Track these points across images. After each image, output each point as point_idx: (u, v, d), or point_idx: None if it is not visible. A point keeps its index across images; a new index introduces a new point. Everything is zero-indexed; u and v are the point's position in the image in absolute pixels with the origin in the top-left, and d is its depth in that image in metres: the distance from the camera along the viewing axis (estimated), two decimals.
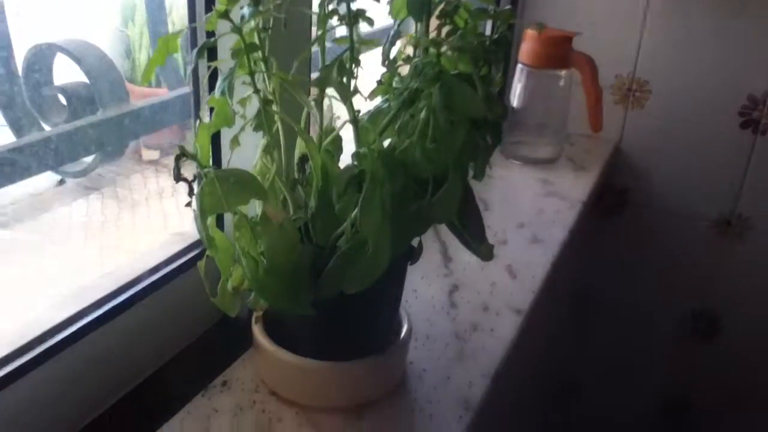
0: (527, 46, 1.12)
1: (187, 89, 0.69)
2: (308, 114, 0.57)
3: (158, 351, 0.64)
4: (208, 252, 0.51)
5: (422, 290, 0.79)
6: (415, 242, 0.59)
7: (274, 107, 0.50)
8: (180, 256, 0.66)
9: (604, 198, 1.38)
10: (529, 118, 1.17)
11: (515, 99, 1.15)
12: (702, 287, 1.37)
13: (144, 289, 0.61)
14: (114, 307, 0.58)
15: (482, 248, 0.60)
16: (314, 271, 0.53)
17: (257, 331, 0.61)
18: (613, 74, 1.28)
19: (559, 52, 1.11)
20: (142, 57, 1.71)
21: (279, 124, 0.52)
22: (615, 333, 1.46)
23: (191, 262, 0.66)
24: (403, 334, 0.62)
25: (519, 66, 1.14)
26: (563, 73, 1.13)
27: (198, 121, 0.50)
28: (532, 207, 1.04)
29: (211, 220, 0.50)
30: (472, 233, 0.59)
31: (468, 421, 0.60)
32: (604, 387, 1.50)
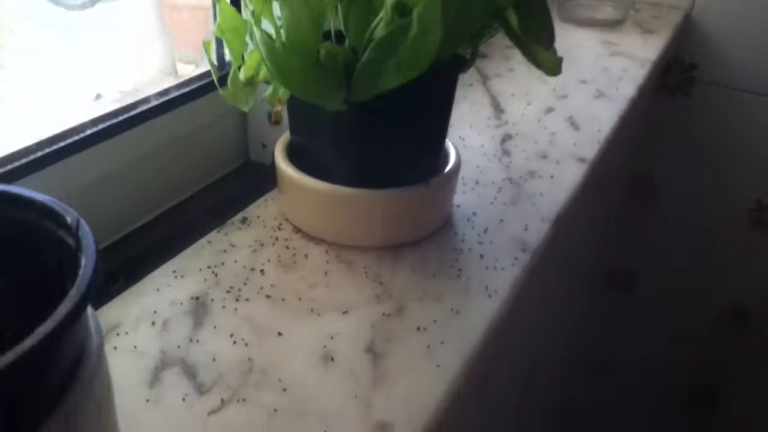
0: None
1: None
2: None
3: (174, 186, 0.57)
4: (215, 33, 0.41)
5: (471, 139, 0.69)
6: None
7: None
8: (193, 81, 0.57)
9: (671, 74, 1.24)
10: None
11: None
12: None
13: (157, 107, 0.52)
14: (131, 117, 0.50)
15: (546, 57, 0.49)
16: (346, 75, 0.44)
17: (279, 155, 0.52)
18: None
19: None
20: None
21: None
22: (677, 224, 1.35)
23: (206, 88, 0.57)
24: (450, 165, 0.53)
25: None
26: None
27: None
28: (595, 65, 0.92)
29: None
30: (536, 36, 0.48)
31: (525, 262, 0.51)
32: (663, 277, 1.40)
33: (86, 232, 0.21)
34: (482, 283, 0.48)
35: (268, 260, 0.49)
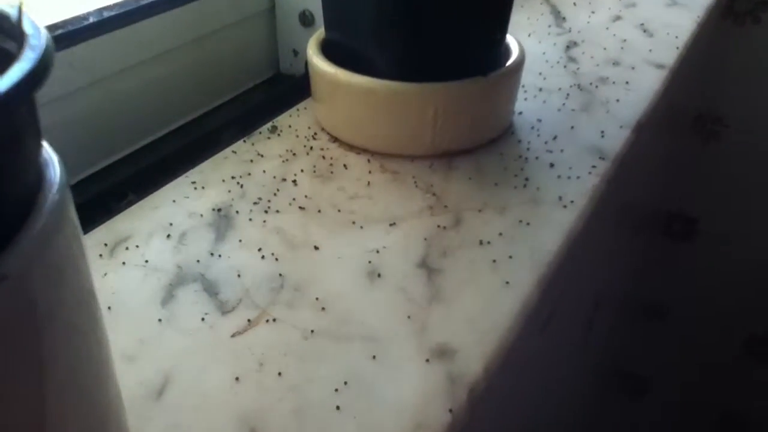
0: None
1: None
2: None
3: (196, 97, 0.50)
4: None
5: (531, 46, 0.60)
6: None
7: None
8: None
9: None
10: None
11: None
12: None
13: None
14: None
15: None
16: None
17: (312, 51, 0.45)
18: None
19: None
20: None
21: None
22: (739, 169, 1.24)
23: None
24: (513, 58, 0.45)
25: None
26: None
27: None
28: None
29: None
30: None
31: (605, 170, 0.43)
32: (724, 222, 1.29)
33: (32, 23, 0.14)
34: (554, 193, 0.40)
35: (302, 170, 0.42)
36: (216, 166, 0.43)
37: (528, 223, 0.38)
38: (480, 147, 0.45)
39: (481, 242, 0.36)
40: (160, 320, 0.31)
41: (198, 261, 0.35)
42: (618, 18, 0.68)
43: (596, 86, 0.54)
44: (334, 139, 0.46)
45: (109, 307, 0.32)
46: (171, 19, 0.46)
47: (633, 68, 0.57)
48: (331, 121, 0.46)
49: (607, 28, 0.65)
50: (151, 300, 0.32)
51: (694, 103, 1.19)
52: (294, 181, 0.41)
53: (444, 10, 0.40)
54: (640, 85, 0.54)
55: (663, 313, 1.42)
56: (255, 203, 0.39)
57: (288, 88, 0.54)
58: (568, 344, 0.64)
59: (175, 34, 0.47)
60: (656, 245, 1.33)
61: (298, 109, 0.49)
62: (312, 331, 0.31)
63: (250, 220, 0.38)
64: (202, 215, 0.38)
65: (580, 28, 0.65)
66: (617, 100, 0.51)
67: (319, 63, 0.44)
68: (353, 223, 0.38)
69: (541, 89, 0.53)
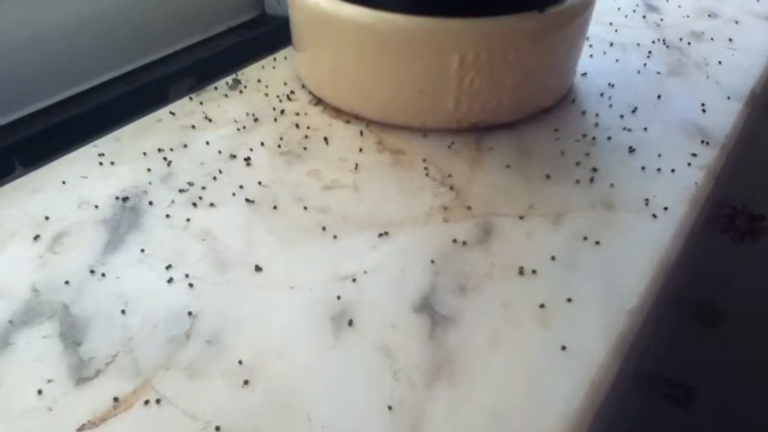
0: None
1: None
2: None
3: (155, 33, 0.37)
4: None
5: None
6: None
7: None
8: None
9: None
10: None
11: None
12: None
13: None
14: None
15: None
16: None
17: None
18: None
19: None
20: None
21: None
22: None
23: None
24: None
25: None
26: None
27: None
28: None
29: None
30: None
31: (710, 162, 0.29)
32: None
33: None
34: (638, 194, 0.26)
35: (261, 144, 0.29)
36: (141, 131, 0.30)
37: (597, 242, 0.24)
38: (525, 119, 0.31)
39: (521, 271, 0.23)
40: None
41: (67, 282, 0.22)
42: None
43: (688, 43, 0.39)
44: (317, 101, 0.32)
45: None
46: None
47: (736, 22, 0.42)
48: (315, 74, 0.32)
49: None
50: None
51: None
52: (247, 160, 0.28)
53: None
54: (749, 44, 0.39)
55: (716, 320, 1.27)
56: (182, 191, 0.26)
57: (269, 33, 0.41)
58: None
59: None
60: (715, 243, 1.17)
61: (275, 59, 0.36)
62: (218, 428, 0.18)
63: (168, 216, 0.25)
64: (97, 206, 0.25)
65: None
66: (719, 62, 0.37)
67: None
68: (323, 229, 0.24)
69: (612, 44, 0.39)
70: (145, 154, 0.28)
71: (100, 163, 0.27)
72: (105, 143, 0.29)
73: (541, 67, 0.30)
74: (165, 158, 0.28)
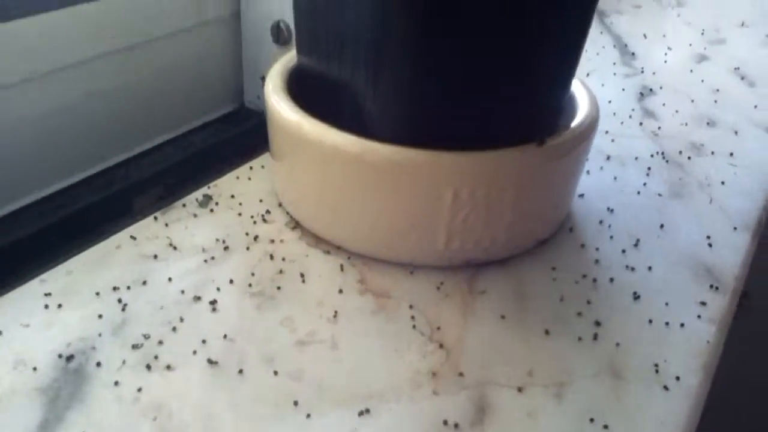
0: None
1: None
2: None
3: (122, 130, 0.34)
4: None
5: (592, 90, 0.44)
6: None
7: None
8: None
9: None
10: None
11: None
12: None
13: None
14: None
15: None
16: None
17: (273, 85, 0.29)
18: None
19: None
20: None
21: None
22: None
23: None
24: (582, 116, 0.28)
25: None
26: None
27: None
28: (753, 4, 0.65)
29: None
30: None
31: (720, 314, 0.26)
32: None
33: None
34: (647, 356, 0.24)
35: (231, 281, 0.26)
36: (97, 261, 0.27)
37: (606, 426, 0.21)
38: (522, 253, 0.28)
39: None
40: None
41: None
42: (704, 58, 0.51)
43: (688, 157, 0.37)
44: (295, 224, 0.29)
45: None
46: (88, 15, 0.30)
47: (736, 132, 0.41)
48: (293, 195, 0.30)
49: (692, 71, 0.49)
50: None
51: None
52: (213, 303, 0.25)
53: (486, 33, 0.23)
54: (751, 160, 0.37)
55: None
56: (135, 346, 0.23)
57: (248, 131, 0.39)
58: None
59: (94, 38, 0.31)
60: None
61: (251, 168, 0.33)
62: None
63: (116, 384, 0.22)
64: (35, 368, 0.22)
65: (656, 69, 0.49)
66: (722, 182, 0.35)
67: (279, 105, 0.28)
68: (295, 404, 0.21)
69: (609, 157, 0.37)
70: (98, 294, 0.25)
71: (46, 306, 0.24)
72: (54, 277, 0.26)
73: (540, 201, 0.28)
74: (120, 300, 0.25)
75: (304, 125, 0.26)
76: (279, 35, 0.38)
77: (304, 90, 0.29)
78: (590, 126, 0.28)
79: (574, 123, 0.28)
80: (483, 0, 0.23)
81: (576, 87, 0.31)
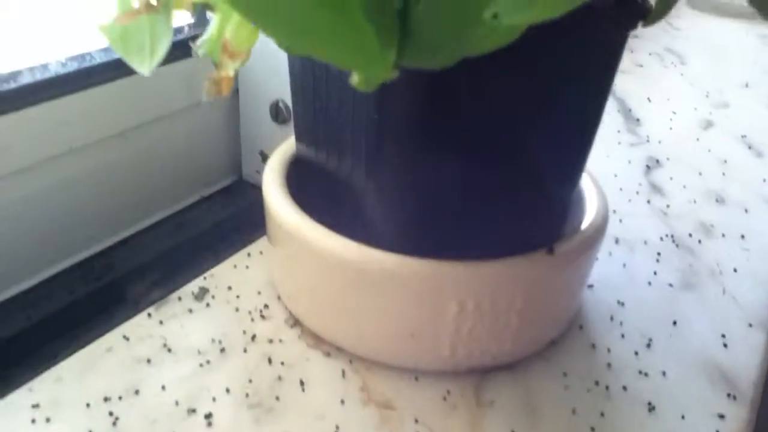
0: None
1: None
2: None
3: (116, 210, 0.33)
4: None
5: (595, 162, 0.44)
6: None
7: None
8: None
9: None
10: None
11: None
12: None
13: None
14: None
15: None
16: (401, 17, 0.19)
17: (271, 181, 0.28)
18: None
19: None
20: None
21: None
22: None
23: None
24: (591, 218, 0.28)
25: None
26: None
27: None
28: (756, 64, 0.65)
29: None
30: None
31: (740, 427, 0.25)
32: None
33: None
34: None
35: (227, 390, 0.25)
36: (87, 366, 0.26)
37: None
38: (530, 356, 0.27)
39: None
40: None
41: None
42: (709, 124, 0.51)
43: (699, 240, 0.36)
44: (294, 321, 0.28)
45: None
46: (84, 100, 0.30)
47: (746, 210, 0.40)
48: (291, 290, 0.29)
49: (698, 139, 0.48)
50: None
51: None
52: (208, 417, 0.24)
53: (483, 134, 0.23)
54: (762, 243, 0.37)
55: None
56: None
57: (246, 209, 0.38)
58: None
59: (89, 123, 0.30)
60: None
61: (249, 254, 0.32)
62: None
63: None
64: None
65: (661, 138, 0.48)
66: (734, 270, 0.34)
67: (277, 202, 0.27)
68: None
69: (617, 241, 0.36)
70: (88, 405, 0.24)
71: (33, 420, 0.23)
72: (43, 386, 0.24)
73: (549, 306, 0.27)
74: (111, 413, 0.24)
75: (303, 228, 0.26)
76: (278, 114, 0.37)
77: (301, 179, 0.28)
78: (600, 228, 0.27)
79: (584, 225, 0.27)
80: (486, 110, 0.22)
81: (583, 180, 0.30)
